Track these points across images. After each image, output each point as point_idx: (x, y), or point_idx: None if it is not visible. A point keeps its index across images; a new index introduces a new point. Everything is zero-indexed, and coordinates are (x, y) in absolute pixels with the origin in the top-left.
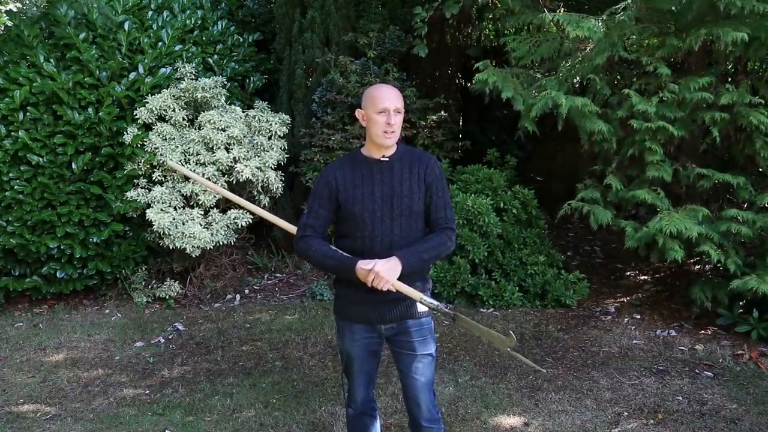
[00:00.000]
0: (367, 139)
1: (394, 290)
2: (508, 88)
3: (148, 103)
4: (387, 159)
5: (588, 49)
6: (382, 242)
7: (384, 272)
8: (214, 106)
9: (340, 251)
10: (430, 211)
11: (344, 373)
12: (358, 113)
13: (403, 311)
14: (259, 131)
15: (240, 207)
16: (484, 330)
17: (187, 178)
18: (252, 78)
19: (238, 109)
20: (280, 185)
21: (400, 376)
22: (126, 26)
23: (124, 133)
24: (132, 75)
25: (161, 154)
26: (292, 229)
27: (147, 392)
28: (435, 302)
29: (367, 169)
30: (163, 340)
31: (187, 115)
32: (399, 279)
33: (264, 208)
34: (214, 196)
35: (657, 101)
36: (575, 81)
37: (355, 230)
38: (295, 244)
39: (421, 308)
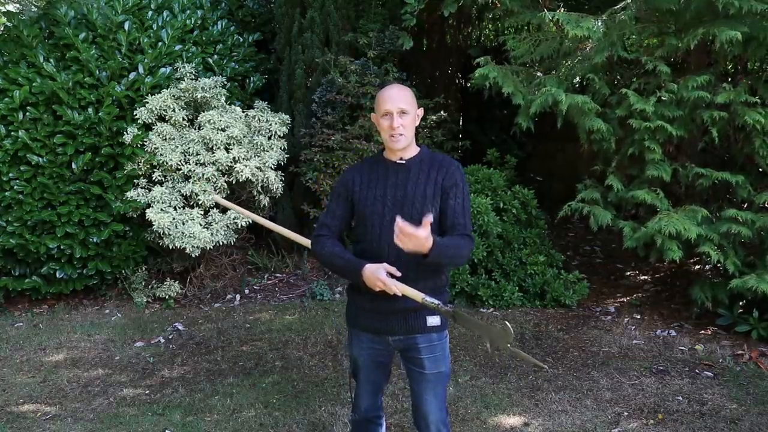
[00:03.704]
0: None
1: (397, 292)
2: (508, 84)
3: (148, 103)
4: (404, 162)
5: (588, 48)
6: (389, 246)
7: (411, 235)
8: (214, 106)
9: (350, 253)
10: (447, 217)
11: (352, 378)
12: (372, 117)
13: (410, 324)
14: (259, 131)
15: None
16: (483, 326)
17: (187, 178)
18: (252, 78)
19: (238, 109)
20: (279, 185)
21: (410, 392)
22: (126, 26)
23: (124, 133)
24: (132, 75)
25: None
26: (306, 242)
27: (147, 392)
28: (436, 301)
29: (383, 172)
30: (163, 340)
31: (187, 115)
32: (413, 282)
33: (264, 207)
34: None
35: (655, 100)
36: (575, 81)
37: (365, 233)
38: (311, 242)
39: (431, 321)
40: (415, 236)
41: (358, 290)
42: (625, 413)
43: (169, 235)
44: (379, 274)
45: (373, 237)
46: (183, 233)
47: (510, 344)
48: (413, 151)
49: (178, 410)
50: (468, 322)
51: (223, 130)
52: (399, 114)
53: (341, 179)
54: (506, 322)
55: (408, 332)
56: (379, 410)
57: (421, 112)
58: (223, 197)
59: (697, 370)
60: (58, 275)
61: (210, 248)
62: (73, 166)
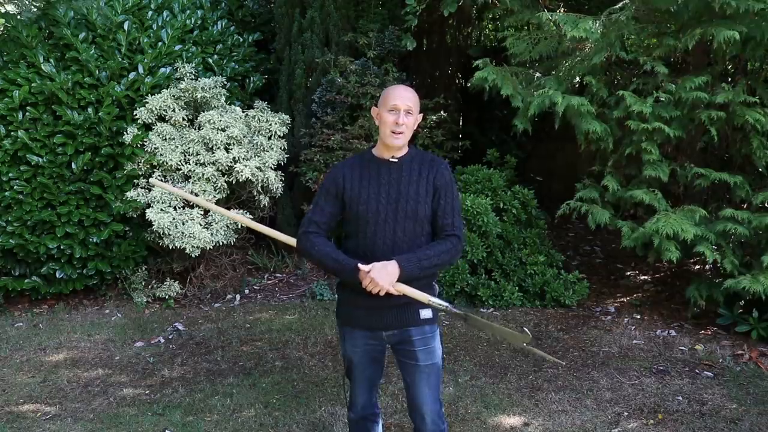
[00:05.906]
0: (379, 139)
1: (395, 293)
2: (507, 86)
3: (147, 103)
4: (396, 160)
5: (587, 48)
6: (384, 244)
7: (378, 276)
8: (214, 106)
9: (342, 253)
10: (437, 217)
11: (346, 377)
12: (373, 111)
13: (404, 317)
14: (258, 131)
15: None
16: (497, 328)
17: (187, 178)
18: (252, 78)
19: (238, 109)
20: (279, 185)
21: (404, 385)
22: (126, 26)
23: (124, 133)
24: (132, 75)
25: (161, 154)
26: (292, 241)
27: (147, 392)
28: (445, 303)
29: (375, 170)
30: (163, 340)
31: (186, 115)
32: (406, 281)
33: (264, 207)
34: (214, 196)
35: (652, 101)
36: (575, 81)
37: (357, 231)
38: (297, 239)
39: (423, 314)
40: (370, 274)
41: (351, 288)
42: (625, 413)
43: (169, 235)
44: None
45: (367, 235)
46: (183, 233)
47: (527, 344)
48: (403, 150)
49: (178, 410)
50: (480, 324)
51: (223, 130)
52: (405, 112)
53: (330, 176)
54: (525, 328)
55: (402, 326)
56: (375, 408)
57: (420, 117)
58: (222, 197)
59: (697, 370)
60: (58, 275)
61: (210, 248)
62: (73, 166)
